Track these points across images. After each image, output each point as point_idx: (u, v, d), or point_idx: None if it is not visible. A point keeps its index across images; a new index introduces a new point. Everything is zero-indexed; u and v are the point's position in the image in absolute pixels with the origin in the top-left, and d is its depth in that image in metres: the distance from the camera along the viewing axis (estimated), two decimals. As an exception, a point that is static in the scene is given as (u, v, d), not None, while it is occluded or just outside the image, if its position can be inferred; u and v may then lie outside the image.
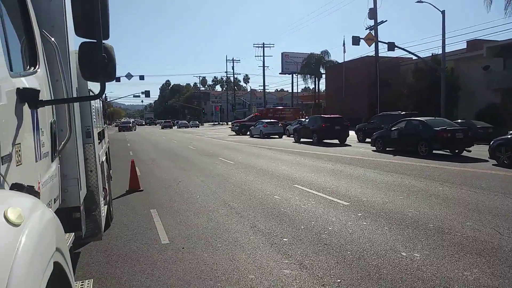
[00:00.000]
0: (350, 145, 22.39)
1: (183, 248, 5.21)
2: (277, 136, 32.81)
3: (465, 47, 35.05)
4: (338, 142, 23.87)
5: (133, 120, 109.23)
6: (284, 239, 5.45)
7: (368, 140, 22.27)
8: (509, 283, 3.90)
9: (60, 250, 1.61)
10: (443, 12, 27.64)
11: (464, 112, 29.92)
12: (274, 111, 43.75)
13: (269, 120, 35.97)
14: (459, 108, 31.70)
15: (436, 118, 17.96)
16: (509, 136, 12.84)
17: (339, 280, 4.07)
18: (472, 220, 6.14)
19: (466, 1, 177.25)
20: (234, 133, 40.58)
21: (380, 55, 38.75)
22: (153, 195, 8.92)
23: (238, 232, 5.85)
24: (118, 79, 47.32)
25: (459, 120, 23.19)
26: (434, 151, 15.64)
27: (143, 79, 50.26)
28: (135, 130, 57.41)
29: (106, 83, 2.36)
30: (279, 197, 8.28)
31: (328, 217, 6.58)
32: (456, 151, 15.75)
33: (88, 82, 3.95)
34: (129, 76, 48.71)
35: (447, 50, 30.11)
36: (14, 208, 1.31)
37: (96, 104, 5.27)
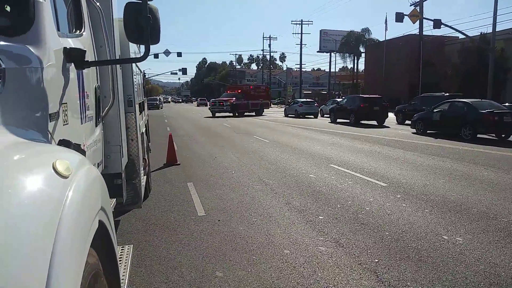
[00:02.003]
0: (388, 127, 21.75)
1: (219, 220, 5.27)
2: (312, 116, 32.38)
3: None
4: (376, 124, 23.25)
5: (161, 96, 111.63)
6: (319, 217, 5.39)
7: (407, 122, 21.59)
8: None
9: (104, 210, 1.62)
10: (496, -13, 25.72)
11: (513, 95, 28.21)
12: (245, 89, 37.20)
13: (305, 100, 35.64)
14: (507, 91, 29.89)
15: (483, 100, 16.99)
16: None
17: (376, 260, 3.98)
18: (520, 206, 5.81)
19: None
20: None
21: (424, 33, 36.96)
22: (190, 169, 9.07)
23: (273, 208, 5.84)
24: (156, 56, 48.15)
25: (507, 104, 21.90)
26: (478, 135, 14.90)
27: (181, 56, 50.79)
28: (161, 108, 52.14)
29: (150, 47, 2.33)
30: (314, 176, 8.20)
31: (365, 197, 6.44)
32: (503, 135, 14.97)
33: (131, 51, 3.97)
34: (167, 52, 49.17)
35: (498, 28, 28.13)
36: (62, 160, 1.31)
37: (138, 76, 5.33)
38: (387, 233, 4.75)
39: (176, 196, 6.64)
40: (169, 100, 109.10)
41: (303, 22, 64.57)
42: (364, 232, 4.78)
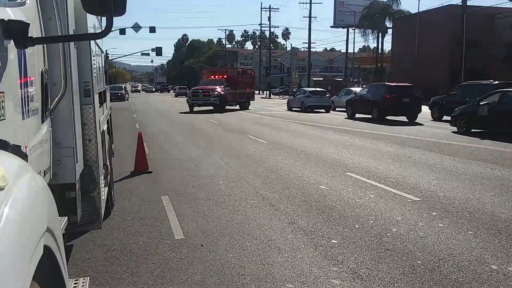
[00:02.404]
0: (422, 124, 21.87)
1: (201, 245, 5.27)
2: (323, 110, 32.37)
3: None
4: (406, 120, 23.38)
5: (128, 84, 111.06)
6: (332, 241, 5.40)
7: (446, 118, 21.78)
8: None
9: (51, 232, 1.61)
10: None
11: None
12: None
13: (314, 89, 35.49)
14: None
15: None
16: None
17: (405, 297, 4.00)
18: None
19: None
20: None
21: (468, 3, 37.20)
22: (165, 179, 9.07)
23: (272, 229, 5.85)
24: (123, 31, 48.04)
25: None
26: None
27: (154, 32, 50.21)
28: (127, 99, 50.95)
29: (114, 19, 2.33)
30: (326, 187, 8.23)
31: (391, 215, 6.47)
32: None
33: (89, 26, 3.97)
34: (136, 27, 49.19)
35: None
36: None
37: (98, 57, 5.32)
38: (419, 261, 4.77)
39: (146, 213, 6.62)
40: (138, 88, 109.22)
41: (313, -11, 64.78)
42: (390, 261, 4.80)
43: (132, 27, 49.08)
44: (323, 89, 35.78)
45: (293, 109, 34.13)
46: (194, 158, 11.61)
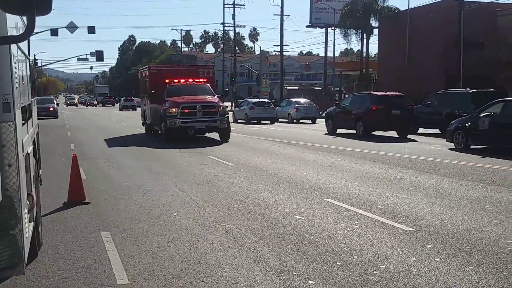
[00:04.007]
0: (415, 140, 22.30)
1: (150, 291, 5.21)
2: (268, 122, 36.69)
3: None
4: (397, 136, 23.76)
5: (61, 95, 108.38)
6: (309, 282, 5.42)
7: (423, 131, 24.10)
8: None
9: None
10: None
11: None
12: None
13: (258, 100, 40.34)
14: None
15: None
16: None
17: None
18: None
19: None
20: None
21: (466, -1, 38.29)
22: (106, 211, 8.94)
23: (237, 269, 5.83)
24: (54, 32, 47.64)
25: None
26: None
27: (94, 33, 49.69)
28: (57, 117, 45.29)
29: (36, 20, 2.32)
30: (302, 217, 8.27)
31: (379, 249, 6.54)
32: None
33: (9, 26, 3.92)
34: (71, 27, 48.82)
35: None
36: None
37: (21, 63, 5.25)
38: (412, 304, 4.83)
39: (83, 254, 6.50)
40: (75, 101, 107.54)
41: (285, -18, 65.86)
42: (378, 304, 4.84)
43: (66, 27, 48.65)
44: (267, 101, 41.27)
45: (239, 121, 37.73)
46: (142, 184, 11.49)
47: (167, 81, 23.70)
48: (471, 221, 7.89)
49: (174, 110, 21.05)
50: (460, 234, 7.19)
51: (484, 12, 41.19)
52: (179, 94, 22.16)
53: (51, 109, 44.80)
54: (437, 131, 24.86)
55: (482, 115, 17.47)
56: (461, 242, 6.78)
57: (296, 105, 38.32)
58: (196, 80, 24.55)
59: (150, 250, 6.61)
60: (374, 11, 57.57)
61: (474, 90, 23.71)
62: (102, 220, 8.28)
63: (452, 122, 19.12)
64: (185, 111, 21.18)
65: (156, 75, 25.34)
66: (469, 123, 17.87)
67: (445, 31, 42.64)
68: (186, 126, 21.27)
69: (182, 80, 24.11)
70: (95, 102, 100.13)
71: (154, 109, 24.52)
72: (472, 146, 17.76)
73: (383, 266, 5.88)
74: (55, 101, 51.47)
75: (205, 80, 24.81)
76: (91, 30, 50.32)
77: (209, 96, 22.86)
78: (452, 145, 18.51)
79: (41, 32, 45.96)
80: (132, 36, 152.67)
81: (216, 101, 22.30)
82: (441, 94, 25.62)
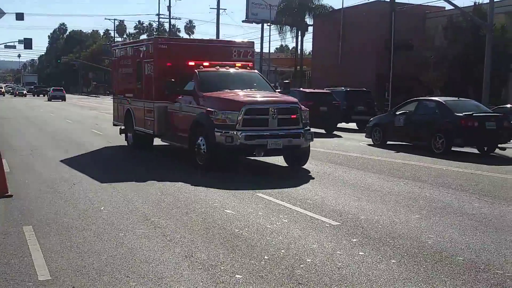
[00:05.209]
0: (340, 136, 22.96)
1: (73, 287, 5.03)
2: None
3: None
4: (324, 132, 24.10)
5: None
6: (237, 276, 5.39)
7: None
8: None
9: None
10: None
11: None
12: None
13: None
14: (510, 88, 32.50)
15: (461, 99, 18.69)
16: None
17: None
18: (520, 252, 6.33)
19: None
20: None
21: (398, 0, 39.13)
22: (30, 204, 8.61)
23: (164, 264, 5.72)
24: (-20, 18, 45.55)
25: (509, 105, 24.02)
26: (453, 148, 16.27)
27: (22, 19, 47.88)
28: None
29: None
30: (233, 212, 8.25)
31: (306, 243, 6.59)
32: (485, 148, 16.66)
33: None
34: (-1, 13, 46.85)
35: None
36: None
37: None
38: (335, 297, 4.88)
39: (3, 248, 6.22)
40: (2, 90, 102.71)
41: (221, -23, 65.53)
42: (303, 297, 4.86)
43: (-8, 13, 46.61)
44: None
45: None
46: (68, 177, 11.13)
47: (191, 63, 13.79)
48: (394, 216, 8.09)
49: (230, 116, 11.56)
50: (384, 228, 7.36)
51: (414, 14, 42.34)
52: (219, 88, 13.02)
53: None
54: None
55: (398, 113, 18.12)
56: (385, 236, 6.94)
57: None
58: (237, 64, 14.57)
59: (75, 245, 6.38)
60: (309, 9, 58.27)
61: (348, 89, 28.12)
62: (25, 214, 7.94)
63: (371, 119, 20.07)
64: (251, 117, 11.75)
65: (168, 54, 14.65)
66: (386, 121, 18.55)
67: (377, 30, 43.57)
68: (252, 145, 11.65)
69: (217, 66, 14.01)
70: (24, 92, 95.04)
71: (163, 110, 14.26)
72: (388, 142, 18.43)
73: (309, 260, 5.92)
74: None
75: (249, 65, 15.02)
76: (19, 16, 48.44)
77: (278, 94, 14.52)
78: (370, 141, 19.22)
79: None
80: (63, 24, 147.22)
81: (296, 101, 13.23)
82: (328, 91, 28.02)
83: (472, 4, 35.08)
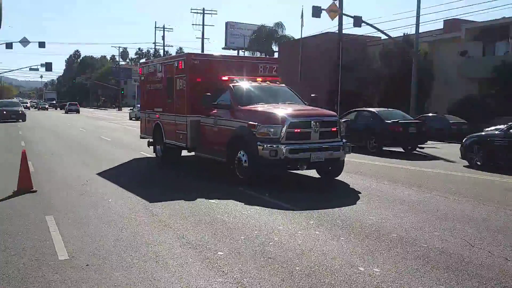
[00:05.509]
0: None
1: (87, 265, 5.02)
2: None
3: (442, 27, 37.16)
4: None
5: (25, 100, 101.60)
6: (219, 253, 5.43)
7: None
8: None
9: None
10: (418, -16, 28.90)
11: (437, 104, 31.70)
12: None
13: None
14: (432, 100, 33.51)
15: (390, 109, 19.33)
16: (483, 133, 13.77)
17: (283, 302, 4.14)
18: (440, 229, 6.52)
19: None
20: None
21: (344, 31, 39.90)
22: (51, 198, 8.52)
23: (161, 245, 5.74)
24: (9, 45, 44.64)
25: (430, 114, 24.87)
26: (384, 148, 16.99)
27: (44, 47, 46.71)
28: (24, 120, 36.33)
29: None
30: (215, 201, 8.26)
31: (274, 225, 6.67)
32: (409, 148, 17.37)
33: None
34: (24, 42, 45.86)
35: (422, 29, 31.61)
36: None
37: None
38: (297, 267, 4.97)
39: (28, 234, 6.16)
40: (27, 105, 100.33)
41: (206, 12, 65.43)
42: (272, 268, 4.94)
43: (20, 42, 45.67)
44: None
45: None
46: (82, 175, 11.01)
47: (225, 78, 11.62)
48: (343, 202, 8.23)
49: (273, 129, 9.59)
50: (335, 212, 7.48)
51: (357, 43, 43.27)
52: (254, 102, 10.96)
53: (20, 112, 36.51)
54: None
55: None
56: (335, 219, 7.07)
57: None
58: (268, 79, 12.53)
59: (88, 231, 6.35)
60: (275, 38, 58.82)
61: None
62: (47, 206, 7.86)
63: None
64: (295, 130, 9.75)
65: (199, 69, 12.21)
66: None
67: (328, 55, 44.02)
68: (296, 158, 9.64)
69: (250, 81, 11.93)
70: (47, 106, 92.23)
71: (196, 124, 11.88)
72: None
73: (276, 239, 6.01)
74: (20, 105, 42.25)
75: (278, 79, 13.11)
76: (42, 45, 47.27)
77: (315, 107, 11.62)
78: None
79: (-5, 46, 43.05)
80: (77, 50, 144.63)
81: (335, 114, 12.12)
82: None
83: (402, 35, 36.22)
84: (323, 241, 5.91)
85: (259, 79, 12.02)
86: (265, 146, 9.25)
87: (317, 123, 9.73)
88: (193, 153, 12.77)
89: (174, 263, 5.11)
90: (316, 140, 9.73)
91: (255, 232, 6.32)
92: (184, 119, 12.11)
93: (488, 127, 15.08)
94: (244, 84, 11.47)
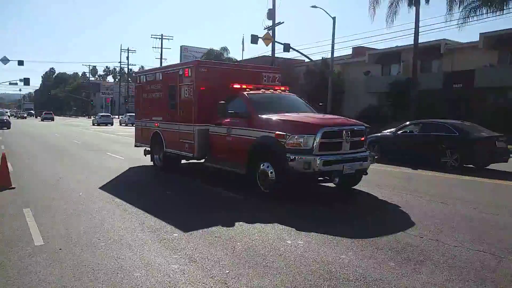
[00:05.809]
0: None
1: (60, 249, 4.76)
2: None
3: (351, 52, 38.87)
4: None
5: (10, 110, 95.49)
6: (174, 234, 5.33)
7: None
8: (377, 263, 4.38)
9: None
10: (334, 19, 30.07)
11: (348, 112, 33.05)
12: None
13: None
14: (344, 109, 34.96)
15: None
16: (379, 134, 14.51)
17: (227, 271, 4.14)
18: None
19: (355, 10, 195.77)
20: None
21: (277, 55, 40.59)
22: (28, 193, 7.99)
23: (124, 230, 5.55)
24: (-10, 63, 41.59)
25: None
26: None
27: (23, 65, 44.02)
28: (8, 128, 33.89)
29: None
30: (170, 192, 8.09)
31: (228, 207, 6.63)
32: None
33: None
34: (4, 60, 42.90)
35: (336, 54, 33.09)
36: None
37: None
38: (238, 243, 4.98)
39: (6, 224, 5.76)
40: (7, 115, 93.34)
41: (164, 37, 64.19)
42: (218, 245, 4.92)
43: (1, 60, 42.78)
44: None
45: None
46: (56, 173, 10.40)
47: (237, 86, 9.24)
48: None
49: (304, 139, 7.16)
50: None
51: (286, 64, 44.09)
52: (270, 110, 8.29)
53: (5, 120, 34.55)
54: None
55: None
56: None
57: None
58: (276, 88, 10.26)
59: (61, 220, 6.02)
60: (221, 60, 58.50)
61: None
62: (24, 200, 7.33)
63: None
64: (327, 141, 7.32)
65: (207, 77, 9.72)
66: None
67: (264, 74, 44.79)
68: (329, 171, 7.31)
69: (262, 89, 9.60)
70: (25, 115, 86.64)
71: (204, 133, 9.41)
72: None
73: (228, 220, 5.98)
74: (4, 114, 40.02)
75: (287, 88, 10.59)
76: (20, 63, 44.39)
77: (333, 116, 9.78)
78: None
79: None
80: (52, 68, 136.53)
81: (363, 123, 8.32)
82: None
83: (321, 58, 37.82)
84: (253, 220, 5.93)
85: (269, 88, 9.81)
86: (296, 158, 6.98)
87: (349, 133, 7.49)
88: (191, 161, 11.06)
89: (135, 244, 4.96)
90: (347, 151, 7.50)
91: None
92: (190, 128, 9.63)
93: (385, 130, 15.72)
94: (258, 93, 9.11)
